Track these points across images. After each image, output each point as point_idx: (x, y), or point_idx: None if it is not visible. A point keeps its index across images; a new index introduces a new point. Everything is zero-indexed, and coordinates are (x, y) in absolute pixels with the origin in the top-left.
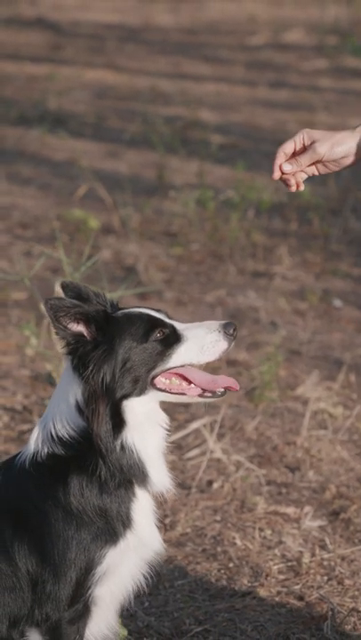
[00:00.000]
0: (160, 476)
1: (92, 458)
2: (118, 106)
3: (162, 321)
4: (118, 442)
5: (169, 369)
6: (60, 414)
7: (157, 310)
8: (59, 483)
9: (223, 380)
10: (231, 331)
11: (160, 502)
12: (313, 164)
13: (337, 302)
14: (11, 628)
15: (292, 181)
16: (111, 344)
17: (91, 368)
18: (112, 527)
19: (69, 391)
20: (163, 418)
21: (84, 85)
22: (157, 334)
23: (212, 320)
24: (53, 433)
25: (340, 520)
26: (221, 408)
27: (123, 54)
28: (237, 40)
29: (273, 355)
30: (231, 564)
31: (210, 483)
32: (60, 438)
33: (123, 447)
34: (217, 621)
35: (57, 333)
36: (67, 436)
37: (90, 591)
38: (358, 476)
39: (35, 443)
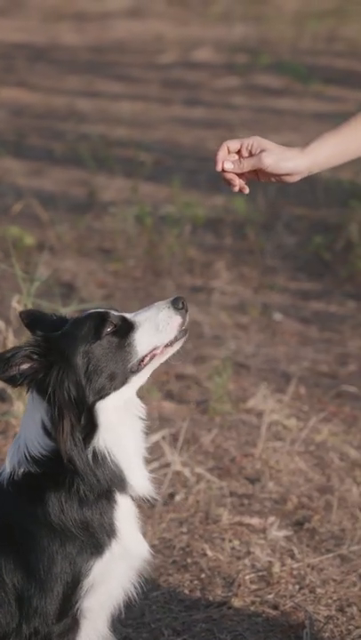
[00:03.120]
0: (140, 479)
1: (67, 473)
2: (36, 124)
3: (109, 314)
4: (90, 450)
5: (141, 358)
6: (30, 435)
7: (106, 308)
8: (37, 501)
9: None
10: (180, 304)
11: (141, 507)
12: (254, 171)
13: (277, 316)
14: None
15: (236, 182)
16: (63, 358)
17: (51, 390)
18: (96, 539)
19: (35, 413)
20: (138, 406)
21: None
22: (108, 328)
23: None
24: (26, 453)
25: (305, 530)
26: (176, 421)
27: (34, 73)
28: (146, 59)
29: (221, 368)
30: (203, 575)
31: (172, 495)
32: (32, 457)
33: (95, 455)
34: (195, 632)
35: (13, 386)
36: (39, 455)
37: (78, 604)
38: (318, 486)
39: (10, 463)
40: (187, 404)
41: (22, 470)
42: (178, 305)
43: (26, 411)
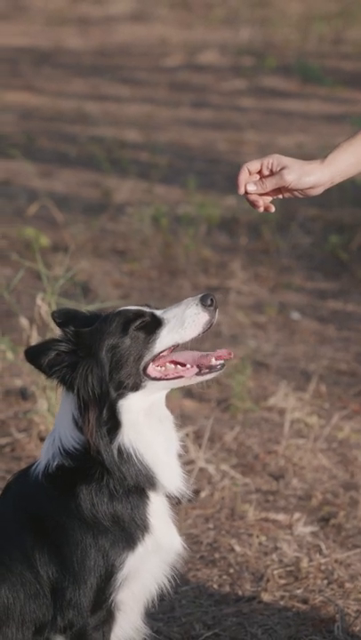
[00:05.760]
0: (170, 476)
1: (97, 467)
2: (45, 127)
3: (139, 310)
4: (115, 446)
5: (157, 354)
6: (63, 429)
7: (141, 304)
8: (69, 494)
9: (215, 353)
10: (209, 302)
11: (175, 503)
12: (278, 189)
13: (295, 315)
14: (36, 634)
15: (260, 202)
16: (91, 353)
17: (78, 382)
18: (129, 533)
19: (67, 407)
20: (165, 413)
21: (6, 107)
22: (137, 323)
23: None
24: (60, 446)
25: (331, 526)
26: (198, 419)
27: (40, 77)
28: (152, 62)
29: (241, 366)
30: (232, 570)
31: (197, 492)
32: (66, 451)
33: (120, 451)
34: (226, 626)
35: (48, 377)
36: (72, 449)
37: (112, 597)
38: (342, 482)
39: (45, 455)
40: (207, 403)
41: (56, 463)
42: (206, 302)
43: (60, 405)
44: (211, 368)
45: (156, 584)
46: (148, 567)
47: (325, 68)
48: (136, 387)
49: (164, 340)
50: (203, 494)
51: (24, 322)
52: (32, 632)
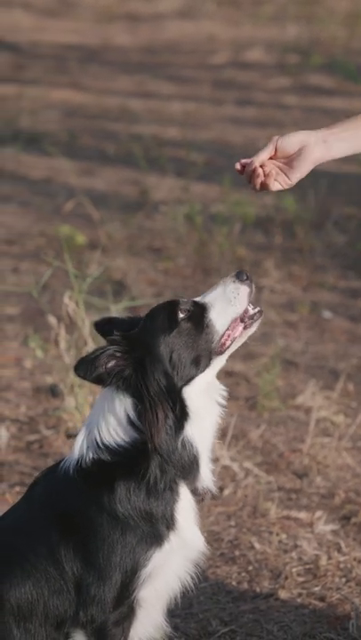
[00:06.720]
0: (207, 470)
1: (141, 463)
2: (88, 124)
3: (179, 301)
4: (180, 439)
5: (223, 333)
6: (107, 424)
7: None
8: (104, 488)
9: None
10: (244, 277)
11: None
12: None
13: (327, 313)
14: (57, 629)
15: (259, 180)
16: (147, 351)
17: (141, 384)
18: (157, 529)
19: (116, 403)
20: (219, 388)
21: (51, 105)
22: (181, 314)
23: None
24: (99, 440)
25: (352, 524)
26: (225, 417)
27: (86, 74)
28: (199, 59)
29: (271, 365)
30: (250, 567)
31: (220, 489)
32: (106, 446)
33: (184, 444)
34: (242, 622)
35: (104, 386)
36: (115, 445)
37: (135, 593)
38: None
39: (79, 449)
40: (236, 401)
41: (91, 457)
42: (242, 277)
43: (99, 400)
44: (253, 317)
45: (179, 581)
46: (171, 564)
47: None
48: (204, 368)
49: (220, 319)
50: (226, 492)
51: (52, 320)
52: (53, 627)
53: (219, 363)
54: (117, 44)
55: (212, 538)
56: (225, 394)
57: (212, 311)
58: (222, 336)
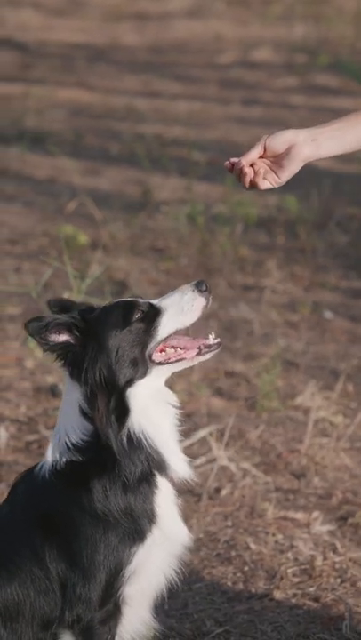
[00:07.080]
0: (178, 460)
1: (110, 458)
2: (94, 124)
3: (137, 302)
4: (124, 433)
5: (161, 341)
6: (70, 423)
7: (131, 297)
8: (81, 489)
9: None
10: (203, 287)
11: (187, 501)
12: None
13: (328, 314)
14: (44, 629)
15: (247, 178)
16: (97, 339)
17: (85, 367)
18: (138, 525)
19: (73, 399)
20: (170, 396)
21: (57, 104)
22: (136, 315)
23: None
24: (68, 442)
25: (349, 525)
26: (224, 418)
27: (93, 73)
28: (206, 59)
29: (271, 365)
30: (246, 568)
31: (218, 490)
32: (74, 445)
33: (130, 438)
34: (237, 623)
35: (45, 349)
36: (81, 442)
37: (120, 591)
38: None
39: (52, 455)
40: (236, 401)
41: (64, 459)
42: (201, 287)
43: (63, 400)
44: (209, 347)
45: (164, 577)
46: (155, 559)
47: None
48: (143, 374)
49: (167, 326)
50: (223, 492)
51: None
52: (40, 628)
53: (161, 372)
54: (125, 44)
55: (208, 538)
56: (176, 403)
57: (164, 316)
58: (159, 343)
